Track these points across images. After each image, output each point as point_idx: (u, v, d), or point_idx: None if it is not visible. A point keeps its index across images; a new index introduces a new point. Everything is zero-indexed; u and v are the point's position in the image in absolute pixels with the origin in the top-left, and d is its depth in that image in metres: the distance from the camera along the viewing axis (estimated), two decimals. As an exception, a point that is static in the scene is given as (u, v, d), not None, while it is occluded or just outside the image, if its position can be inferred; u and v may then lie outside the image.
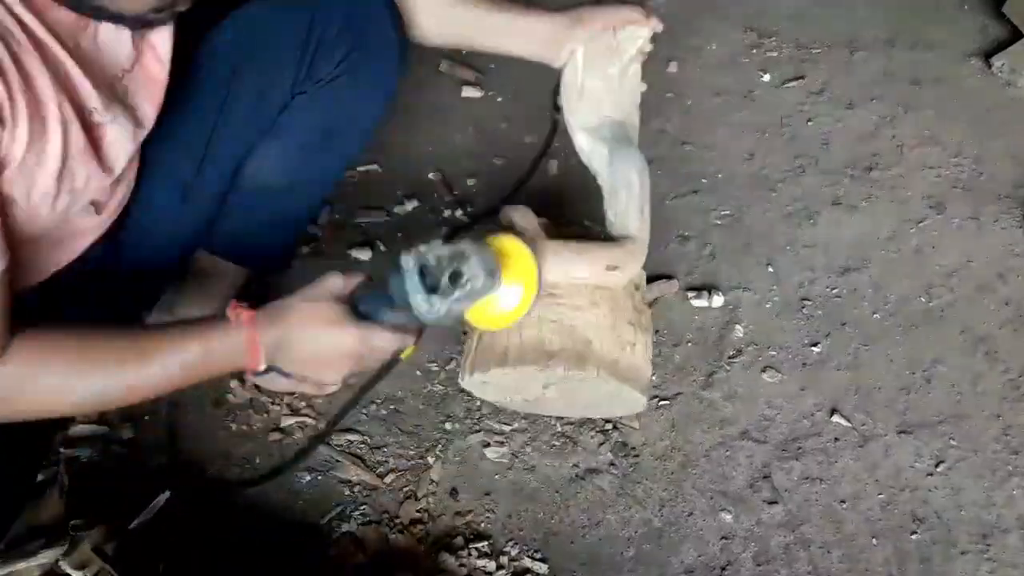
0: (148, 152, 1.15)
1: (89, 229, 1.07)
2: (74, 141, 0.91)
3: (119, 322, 1.06)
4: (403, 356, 1.42)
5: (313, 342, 0.99)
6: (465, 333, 1.22)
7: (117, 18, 0.90)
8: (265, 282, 1.39)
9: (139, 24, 0.95)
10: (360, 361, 1.02)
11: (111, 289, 1.21)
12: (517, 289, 1.05)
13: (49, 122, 0.87)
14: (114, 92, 0.97)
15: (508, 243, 1.06)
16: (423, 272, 0.95)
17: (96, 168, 0.96)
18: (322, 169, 1.29)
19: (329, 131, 1.24)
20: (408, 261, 0.95)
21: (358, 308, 1.01)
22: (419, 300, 0.94)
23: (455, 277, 0.95)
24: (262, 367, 1.00)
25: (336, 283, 1.02)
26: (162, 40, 1.03)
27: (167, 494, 1.21)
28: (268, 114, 1.20)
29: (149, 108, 1.04)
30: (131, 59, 0.99)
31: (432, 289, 0.94)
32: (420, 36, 1.24)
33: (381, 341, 1.01)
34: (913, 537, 1.25)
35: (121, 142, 0.99)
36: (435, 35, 1.24)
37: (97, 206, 1.06)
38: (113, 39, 0.95)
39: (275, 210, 1.29)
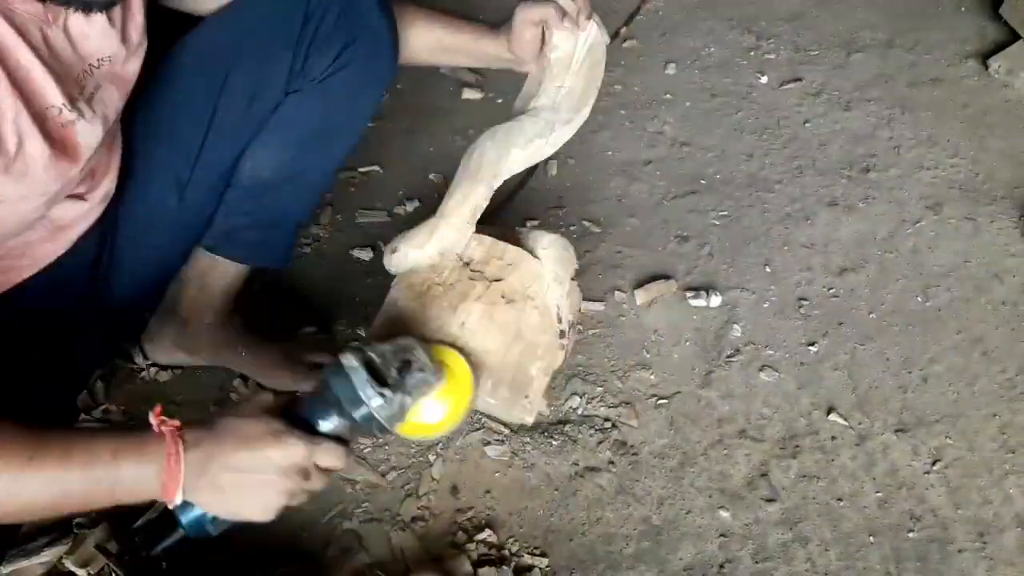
0: (142, 149, 1.15)
1: (76, 219, 1.06)
2: (37, 154, 0.88)
3: (96, 355, 1.03)
4: None
5: (251, 461, 0.86)
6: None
7: (84, 4, 0.88)
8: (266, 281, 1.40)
9: (104, 4, 0.92)
10: (303, 478, 0.89)
11: (111, 289, 1.22)
12: (446, 401, 1.02)
13: (7, 140, 0.85)
14: (82, 87, 0.95)
15: (445, 353, 1.05)
16: (369, 369, 0.90)
17: (67, 167, 0.94)
18: (321, 164, 1.29)
19: (327, 128, 1.23)
20: (351, 359, 0.90)
21: (296, 419, 0.91)
22: (371, 395, 0.89)
23: (404, 367, 0.92)
24: (176, 498, 0.85)
25: (266, 398, 0.93)
26: (135, 28, 1.02)
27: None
28: (262, 113, 1.20)
29: (117, 97, 1.02)
30: (103, 50, 0.97)
31: (383, 383, 0.90)
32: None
33: (327, 453, 0.90)
34: (910, 535, 1.25)
35: (88, 135, 0.96)
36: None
37: (79, 196, 1.05)
38: (82, 32, 0.93)
39: (273, 207, 1.28)
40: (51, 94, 0.90)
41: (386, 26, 1.19)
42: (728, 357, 1.47)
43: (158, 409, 0.87)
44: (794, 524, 1.27)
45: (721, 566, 1.22)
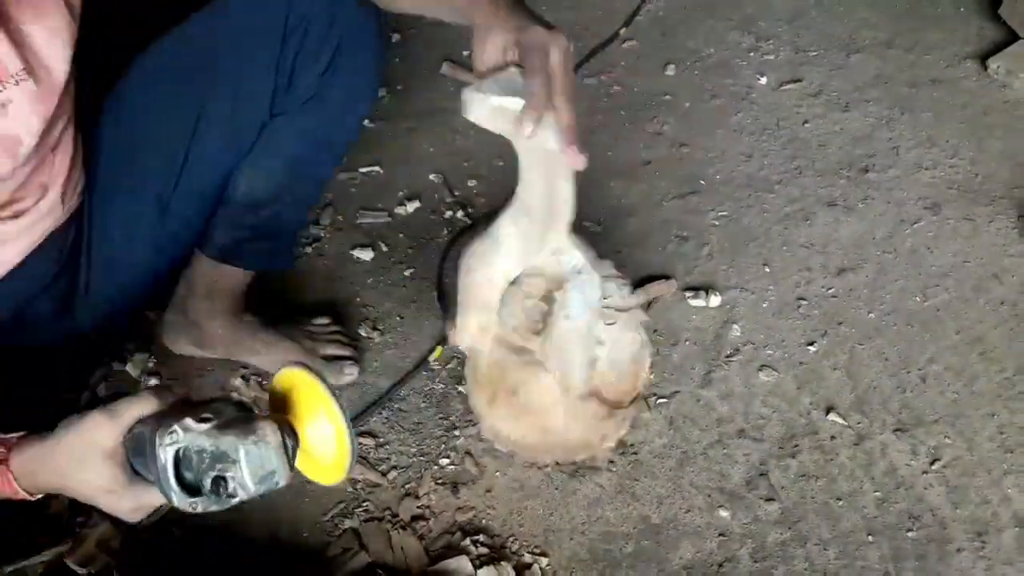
0: (118, 162, 1.14)
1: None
2: None
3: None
4: (432, 357, 1.45)
5: (72, 488, 0.87)
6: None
7: None
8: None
9: None
10: (141, 511, 0.88)
11: (85, 313, 1.21)
12: (326, 433, 0.83)
13: None
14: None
15: (292, 377, 0.85)
16: (180, 462, 0.79)
17: None
18: (316, 175, 1.29)
19: (319, 143, 1.22)
20: (164, 452, 0.78)
21: (131, 459, 0.84)
22: (177, 499, 0.79)
23: (217, 483, 0.79)
24: (20, 493, 0.87)
25: (104, 436, 0.84)
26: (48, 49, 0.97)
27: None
28: (247, 135, 1.18)
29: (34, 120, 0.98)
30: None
31: (193, 489, 0.79)
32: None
33: (159, 501, 0.85)
34: (909, 534, 1.26)
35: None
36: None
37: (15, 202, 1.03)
38: None
39: (273, 219, 1.28)
40: None
41: (372, 28, 1.16)
42: (727, 357, 1.48)
43: None
44: (793, 523, 1.27)
45: (720, 565, 1.22)
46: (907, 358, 1.48)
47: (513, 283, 1.21)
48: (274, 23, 1.11)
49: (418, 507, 1.28)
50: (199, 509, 0.80)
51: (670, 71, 2.04)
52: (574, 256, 1.17)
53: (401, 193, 1.74)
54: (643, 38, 2.14)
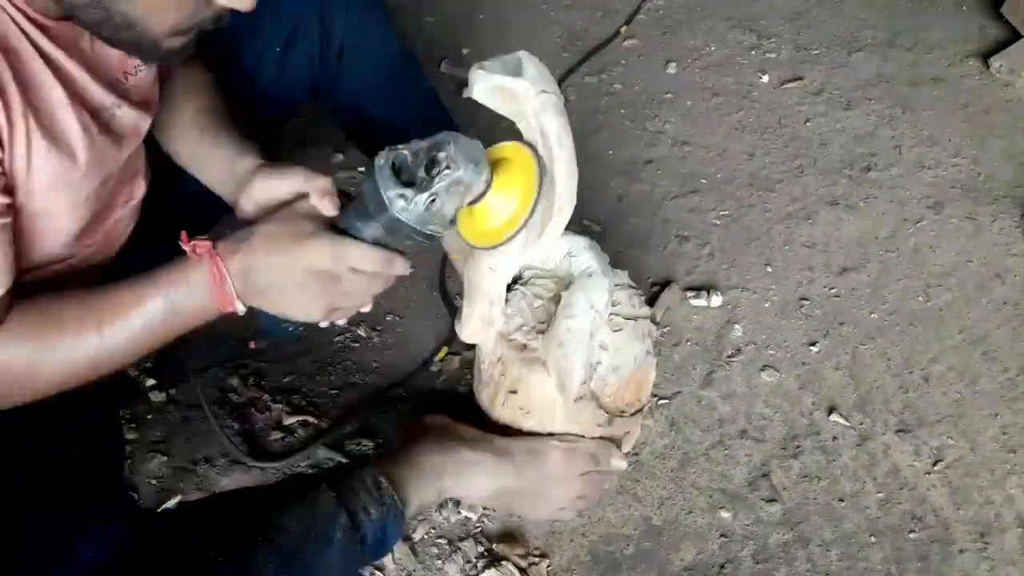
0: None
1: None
2: (98, 142, 0.91)
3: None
4: (436, 358, 1.44)
5: (281, 265, 0.88)
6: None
7: (131, 47, 0.86)
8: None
9: (155, 57, 0.90)
10: (339, 284, 0.90)
11: None
12: (512, 196, 0.92)
13: (70, 134, 0.88)
14: (118, 88, 0.96)
15: (507, 148, 0.95)
16: (398, 168, 0.84)
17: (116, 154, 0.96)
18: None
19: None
20: (380, 158, 0.84)
21: (338, 227, 0.89)
22: (393, 196, 0.83)
23: (432, 164, 0.84)
24: (238, 307, 0.90)
25: (305, 204, 0.90)
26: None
27: (178, 499, 1.22)
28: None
29: (147, 109, 1.02)
30: (127, 65, 0.96)
31: (408, 183, 0.84)
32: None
33: (358, 257, 0.88)
34: (911, 535, 1.25)
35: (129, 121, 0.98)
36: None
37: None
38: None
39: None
40: (98, 95, 0.91)
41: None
42: (729, 357, 1.47)
43: (183, 236, 0.89)
44: (795, 524, 1.26)
45: (722, 566, 1.22)
46: (909, 358, 1.48)
47: (524, 284, 1.20)
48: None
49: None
50: (413, 203, 0.83)
51: (671, 69, 2.04)
52: (586, 259, 1.17)
53: (401, 192, 1.73)
54: (644, 36, 2.14)
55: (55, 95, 0.86)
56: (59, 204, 0.90)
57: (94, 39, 0.90)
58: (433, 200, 0.84)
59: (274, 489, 1.11)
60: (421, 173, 0.84)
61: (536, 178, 0.93)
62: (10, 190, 0.85)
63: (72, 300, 0.90)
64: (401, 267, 0.92)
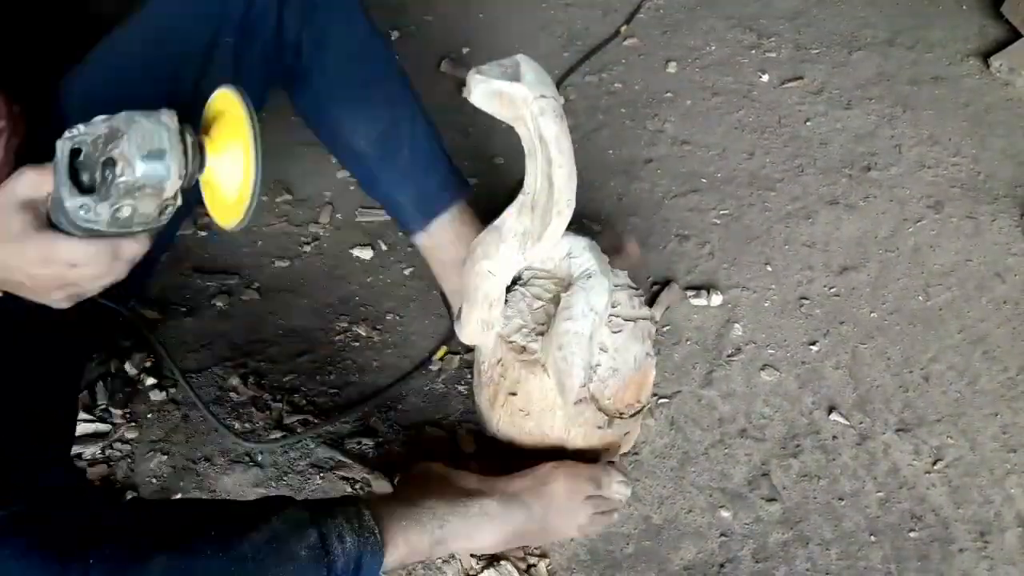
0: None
1: None
2: None
3: None
4: (436, 357, 1.44)
5: (1, 265, 0.80)
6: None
7: None
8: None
9: None
10: (67, 275, 0.80)
11: None
12: (234, 161, 0.76)
13: None
14: None
15: (218, 99, 0.79)
16: (77, 163, 0.71)
17: None
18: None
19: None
20: (59, 148, 0.71)
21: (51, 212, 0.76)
22: (71, 207, 0.71)
23: (106, 167, 0.71)
24: None
25: (24, 186, 0.77)
26: None
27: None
28: None
29: None
30: None
31: (89, 188, 0.71)
32: None
33: (70, 253, 0.77)
34: (911, 535, 1.25)
35: None
36: None
37: None
38: None
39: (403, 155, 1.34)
40: None
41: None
42: (729, 356, 1.47)
43: None
44: (795, 524, 1.26)
45: (721, 566, 1.22)
46: (909, 357, 1.48)
47: (523, 285, 1.20)
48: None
49: (418, 507, 1.27)
50: (97, 215, 0.71)
51: (671, 69, 2.04)
52: (586, 261, 1.17)
53: (401, 192, 1.73)
54: (644, 36, 2.14)
55: None
56: None
57: None
58: (118, 209, 0.73)
59: (248, 502, 1.06)
60: (98, 175, 0.72)
61: (249, 129, 0.76)
62: None
63: None
64: (132, 250, 0.79)
